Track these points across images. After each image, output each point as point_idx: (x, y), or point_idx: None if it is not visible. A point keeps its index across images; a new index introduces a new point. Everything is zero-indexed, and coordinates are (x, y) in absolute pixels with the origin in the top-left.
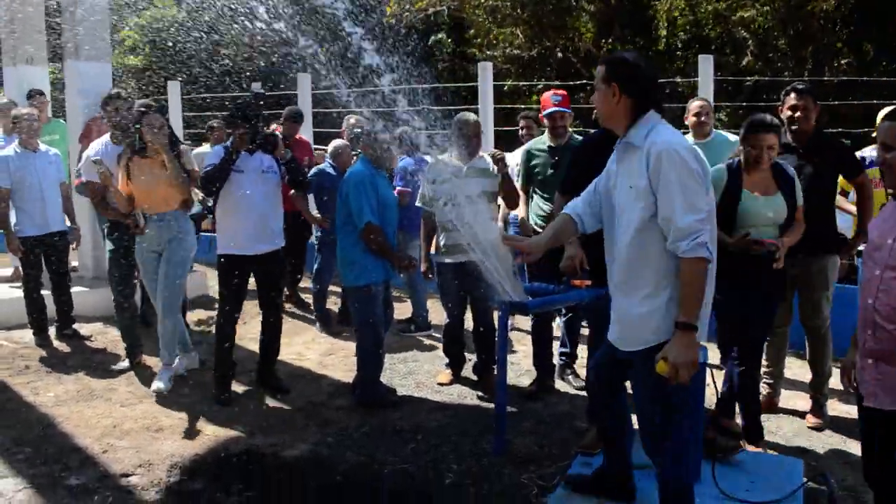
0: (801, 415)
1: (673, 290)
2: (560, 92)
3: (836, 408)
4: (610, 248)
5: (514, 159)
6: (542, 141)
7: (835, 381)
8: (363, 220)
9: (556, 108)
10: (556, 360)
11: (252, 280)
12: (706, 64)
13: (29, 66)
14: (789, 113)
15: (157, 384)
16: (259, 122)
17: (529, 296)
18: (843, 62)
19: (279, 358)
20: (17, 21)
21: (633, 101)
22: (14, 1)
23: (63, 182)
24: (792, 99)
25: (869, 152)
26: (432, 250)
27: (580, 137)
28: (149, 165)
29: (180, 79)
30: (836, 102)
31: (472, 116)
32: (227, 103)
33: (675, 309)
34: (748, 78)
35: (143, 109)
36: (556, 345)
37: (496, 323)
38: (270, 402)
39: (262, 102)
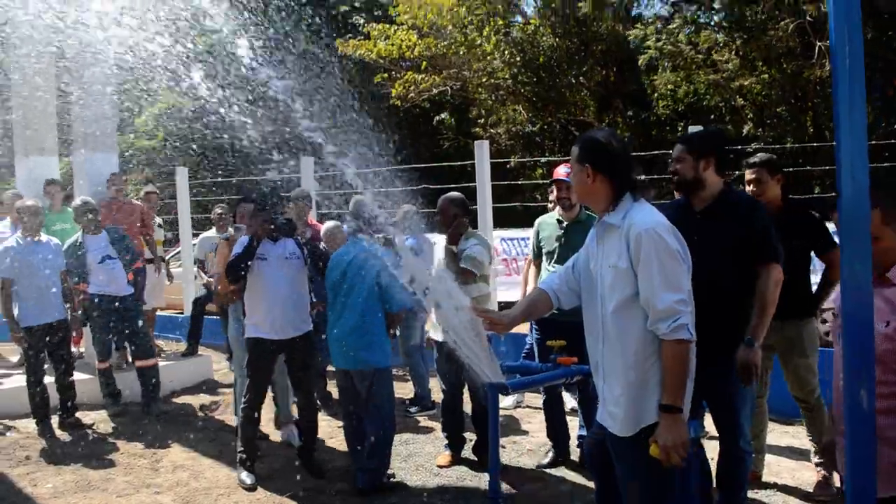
0: (787, 487)
1: (658, 372)
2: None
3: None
4: (591, 328)
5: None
6: (553, 214)
7: None
8: (408, 301)
9: (560, 178)
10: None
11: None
12: None
13: (40, 156)
14: (749, 187)
15: (294, 440)
16: (276, 211)
17: (518, 373)
18: None
19: (280, 440)
20: (30, 113)
21: (608, 181)
22: (27, 94)
23: (63, 270)
24: (748, 173)
25: None
26: (427, 327)
27: (588, 213)
28: None
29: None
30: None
31: (455, 195)
32: (233, 188)
33: (660, 391)
34: (749, 147)
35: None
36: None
37: None
38: (269, 488)
39: (278, 191)
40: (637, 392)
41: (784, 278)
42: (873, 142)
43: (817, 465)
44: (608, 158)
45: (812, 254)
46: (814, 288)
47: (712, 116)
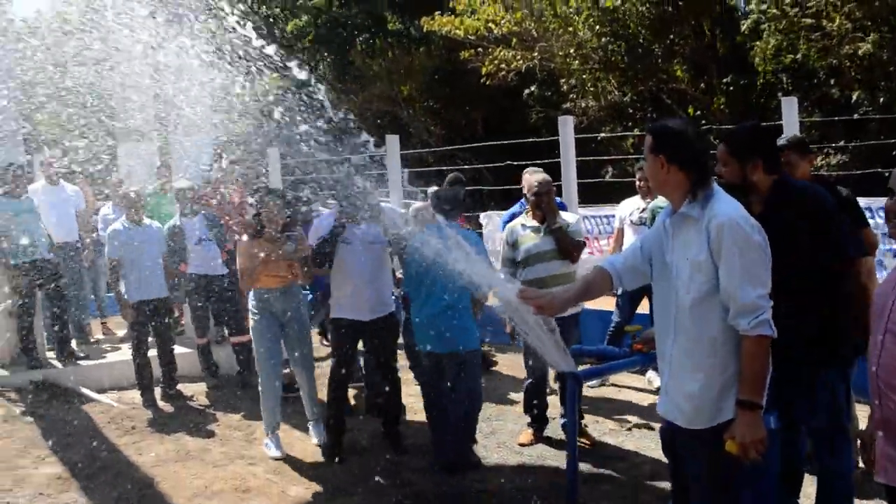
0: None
1: (735, 366)
2: None
3: None
4: (662, 320)
5: (626, 208)
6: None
7: None
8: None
9: None
10: None
11: None
12: (790, 106)
13: (139, 141)
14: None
15: (316, 439)
16: (358, 196)
17: (596, 358)
18: None
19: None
20: (128, 100)
21: (683, 171)
22: (125, 82)
23: (164, 252)
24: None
25: None
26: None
27: None
28: (265, 244)
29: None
30: None
31: (539, 176)
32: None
33: (737, 385)
34: (855, 115)
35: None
36: None
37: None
38: (354, 462)
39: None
40: (714, 388)
41: None
42: None
43: None
44: (682, 149)
45: None
46: None
47: (815, 81)
